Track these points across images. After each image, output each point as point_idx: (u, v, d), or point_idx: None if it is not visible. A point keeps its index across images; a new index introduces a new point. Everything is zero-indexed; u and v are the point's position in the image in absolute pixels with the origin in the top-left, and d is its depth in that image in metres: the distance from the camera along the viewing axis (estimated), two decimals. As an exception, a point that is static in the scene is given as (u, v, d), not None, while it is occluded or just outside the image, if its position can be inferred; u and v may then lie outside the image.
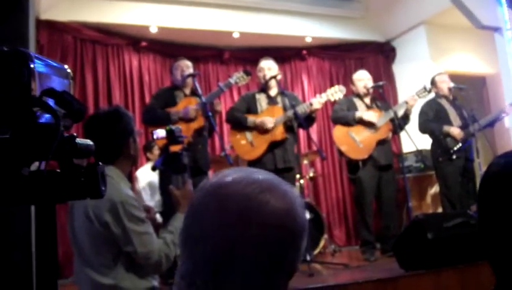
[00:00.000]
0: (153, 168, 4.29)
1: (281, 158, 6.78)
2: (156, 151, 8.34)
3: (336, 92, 7.06)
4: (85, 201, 3.15)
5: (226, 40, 10.21)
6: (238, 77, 6.80)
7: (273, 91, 7.07)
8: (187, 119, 6.34)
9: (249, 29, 9.92)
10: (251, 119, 6.82)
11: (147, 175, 8.25)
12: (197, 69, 8.36)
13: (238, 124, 6.89)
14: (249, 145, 6.78)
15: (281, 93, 7.03)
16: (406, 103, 7.46)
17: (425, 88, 7.59)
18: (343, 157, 7.63)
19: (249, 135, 6.80)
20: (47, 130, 1.16)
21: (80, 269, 3.30)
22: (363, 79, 7.65)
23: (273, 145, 6.76)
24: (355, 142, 7.30)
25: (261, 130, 6.76)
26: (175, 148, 3.94)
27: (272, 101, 7.00)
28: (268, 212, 1.24)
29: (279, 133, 6.77)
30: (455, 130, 7.57)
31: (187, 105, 6.45)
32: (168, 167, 3.95)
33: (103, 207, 3.15)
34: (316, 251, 7.93)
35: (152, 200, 8.05)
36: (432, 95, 7.86)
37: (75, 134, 1.25)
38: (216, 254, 1.22)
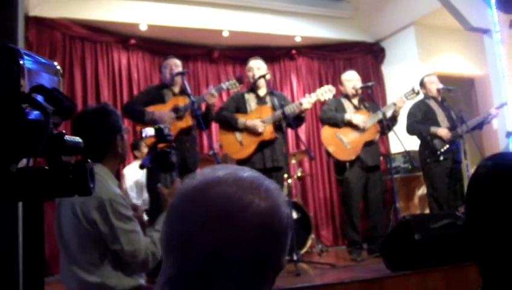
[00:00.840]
0: (141, 167, 4.28)
1: (269, 158, 6.78)
2: (144, 149, 8.32)
3: (326, 92, 7.06)
4: (72, 198, 3.14)
5: (216, 38, 10.20)
6: (230, 83, 6.79)
7: (262, 91, 7.08)
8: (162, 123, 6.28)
9: (238, 28, 9.92)
10: (241, 120, 6.82)
11: (134, 173, 8.23)
12: (187, 68, 8.36)
13: (228, 124, 6.88)
14: (239, 144, 6.78)
15: (270, 93, 7.05)
16: (394, 104, 7.46)
17: (413, 90, 7.59)
18: (331, 158, 7.64)
19: (238, 135, 6.79)
20: (36, 126, 1.16)
21: (66, 266, 3.29)
22: (352, 79, 7.66)
23: (262, 145, 6.77)
24: (342, 143, 7.31)
25: (251, 131, 6.77)
26: (163, 146, 3.94)
27: (260, 101, 7.01)
28: (252, 213, 1.23)
29: (268, 133, 6.77)
30: (442, 131, 7.59)
31: (175, 104, 6.43)
32: (156, 165, 3.95)
33: (91, 205, 3.15)
34: (303, 251, 7.96)
35: (139, 198, 8.03)
36: (421, 96, 7.87)
37: (63, 131, 1.25)
38: (202, 257, 1.21)
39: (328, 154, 7.50)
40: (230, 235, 1.21)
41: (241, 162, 6.71)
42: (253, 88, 7.08)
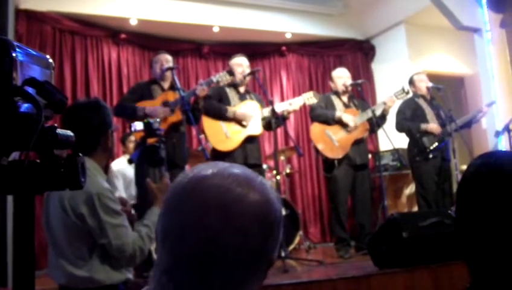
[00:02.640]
0: (130, 161, 4.27)
1: (251, 154, 6.81)
2: (130, 144, 8.34)
3: (311, 97, 7.10)
4: (61, 192, 3.13)
5: (206, 34, 10.20)
6: (220, 76, 6.79)
7: (242, 88, 7.13)
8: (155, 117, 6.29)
9: (228, 23, 9.92)
10: (231, 109, 6.83)
11: (120, 167, 8.22)
12: (176, 63, 8.33)
13: (216, 112, 6.86)
14: (224, 135, 6.76)
15: (249, 92, 7.19)
16: (384, 103, 7.49)
17: (403, 89, 7.61)
18: (320, 156, 7.63)
19: (224, 126, 6.78)
20: (28, 119, 1.15)
21: (55, 260, 3.29)
22: (342, 76, 7.67)
23: (247, 140, 6.79)
24: (331, 140, 7.32)
25: (238, 122, 6.78)
26: (153, 141, 3.93)
27: (242, 96, 7.05)
28: (247, 205, 1.27)
29: (256, 129, 6.80)
30: (433, 126, 7.61)
31: (165, 99, 6.43)
32: (145, 160, 3.94)
33: (79, 199, 3.15)
34: (291, 247, 7.97)
35: (125, 192, 8.01)
36: (410, 95, 7.88)
37: (55, 124, 1.25)
38: (198, 247, 1.24)
39: (317, 151, 7.51)
40: (226, 225, 1.24)
41: (223, 155, 6.70)
42: (235, 84, 7.09)
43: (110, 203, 3.21)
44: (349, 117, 7.37)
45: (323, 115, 7.44)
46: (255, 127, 6.80)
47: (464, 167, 1.75)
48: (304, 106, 7.72)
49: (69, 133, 1.29)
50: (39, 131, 1.14)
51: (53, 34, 8.81)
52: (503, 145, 8.29)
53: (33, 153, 1.21)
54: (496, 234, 1.53)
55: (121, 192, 7.98)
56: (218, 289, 1.26)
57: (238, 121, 6.80)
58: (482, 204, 1.57)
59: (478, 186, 1.60)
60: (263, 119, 6.84)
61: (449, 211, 5.65)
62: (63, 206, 3.18)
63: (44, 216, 3.36)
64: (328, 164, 7.46)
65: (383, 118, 7.50)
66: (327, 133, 7.35)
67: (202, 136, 7.13)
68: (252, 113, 6.82)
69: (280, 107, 6.89)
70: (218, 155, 6.70)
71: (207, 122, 6.90)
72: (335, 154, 7.32)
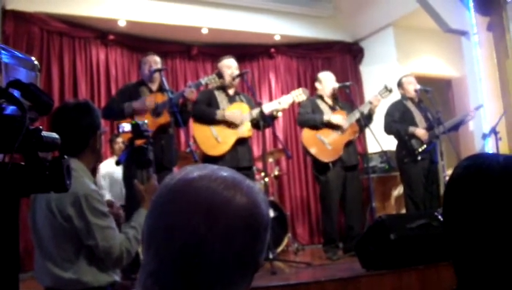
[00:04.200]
0: (117, 163, 4.25)
1: (243, 156, 6.80)
2: (116, 145, 8.35)
3: (300, 94, 7.11)
4: (48, 194, 3.12)
5: (195, 35, 10.19)
6: (209, 78, 6.78)
7: (232, 91, 7.11)
8: (144, 112, 6.27)
9: (217, 25, 9.91)
10: (220, 112, 6.81)
11: (108, 169, 8.21)
12: (165, 64, 8.33)
13: (205, 117, 6.85)
14: (215, 140, 6.75)
15: (238, 93, 7.15)
16: (370, 103, 7.51)
17: (386, 88, 7.62)
18: (312, 158, 7.60)
19: (214, 130, 6.77)
20: (12, 122, 1.15)
21: (41, 263, 3.27)
22: (330, 79, 7.69)
23: (238, 142, 6.77)
24: (324, 144, 7.31)
25: (228, 124, 6.77)
26: (140, 142, 3.91)
27: (231, 99, 7.02)
28: (234, 208, 1.26)
29: (246, 130, 6.78)
30: (420, 131, 7.64)
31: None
32: (132, 161, 3.92)
33: (66, 200, 3.13)
34: (279, 249, 7.96)
35: (110, 192, 8.02)
36: (395, 94, 7.89)
37: (40, 127, 1.24)
38: (184, 250, 1.23)
39: (310, 155, 7.49)
40: (213, 227, 1.23)
41: (215, 159, 6.67)
42: (223, 87, 7.07)
43: (97, 204, 3.20)
44: (339, 118, 7.38)
45: (311, 120, 7.43)
46: (245, 129, 6.79)
47: (451, 170, 1.75)
48: (293, 105, 7.74)
49: (55, 135, 1.29)
50: (24, 133, 1.14)
51: (41, 35, 8.76)
52: (489, 147, 8.32)
53: (18, 155, 1.20)
54: (483, 236, 1.53)
55: (106, 191, 7.99)
56: None
57: (228, 123, 6.78)
58: (469, 205, 1.57)
59: (465, 188, 1.60)
60: (252, 120, 6.83)
61: (435, 213, 5.66)
62: (49, 208, 3.16)
63: (30, 218, 3.34)
64: (321, 166, 7.44)
65: (369, 117, 7.52)
66: (318, 137, 7.34)
67: (192, 143, 7.11)
68: (241, 114, 6.80)
69: (269, 106, 6.88)
70: (209, 160, 6.67)
71: (197, 128, 6.91)
72: (329, 157, 7.31)
